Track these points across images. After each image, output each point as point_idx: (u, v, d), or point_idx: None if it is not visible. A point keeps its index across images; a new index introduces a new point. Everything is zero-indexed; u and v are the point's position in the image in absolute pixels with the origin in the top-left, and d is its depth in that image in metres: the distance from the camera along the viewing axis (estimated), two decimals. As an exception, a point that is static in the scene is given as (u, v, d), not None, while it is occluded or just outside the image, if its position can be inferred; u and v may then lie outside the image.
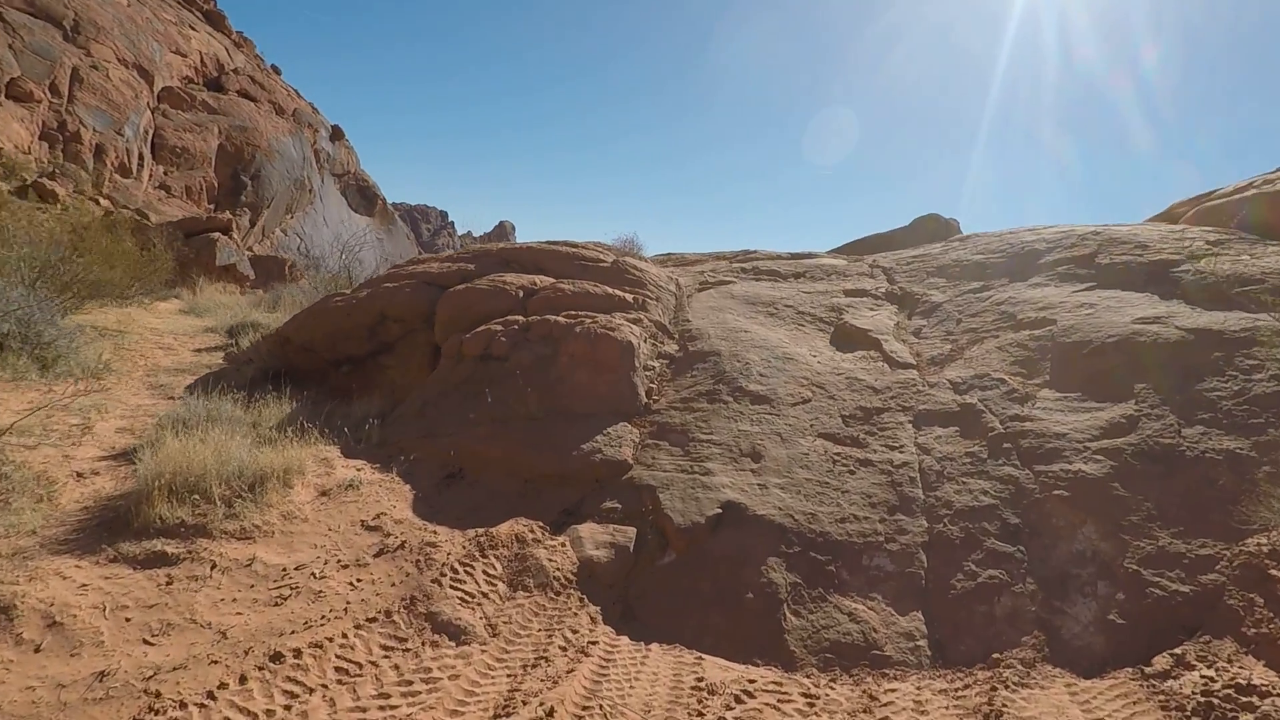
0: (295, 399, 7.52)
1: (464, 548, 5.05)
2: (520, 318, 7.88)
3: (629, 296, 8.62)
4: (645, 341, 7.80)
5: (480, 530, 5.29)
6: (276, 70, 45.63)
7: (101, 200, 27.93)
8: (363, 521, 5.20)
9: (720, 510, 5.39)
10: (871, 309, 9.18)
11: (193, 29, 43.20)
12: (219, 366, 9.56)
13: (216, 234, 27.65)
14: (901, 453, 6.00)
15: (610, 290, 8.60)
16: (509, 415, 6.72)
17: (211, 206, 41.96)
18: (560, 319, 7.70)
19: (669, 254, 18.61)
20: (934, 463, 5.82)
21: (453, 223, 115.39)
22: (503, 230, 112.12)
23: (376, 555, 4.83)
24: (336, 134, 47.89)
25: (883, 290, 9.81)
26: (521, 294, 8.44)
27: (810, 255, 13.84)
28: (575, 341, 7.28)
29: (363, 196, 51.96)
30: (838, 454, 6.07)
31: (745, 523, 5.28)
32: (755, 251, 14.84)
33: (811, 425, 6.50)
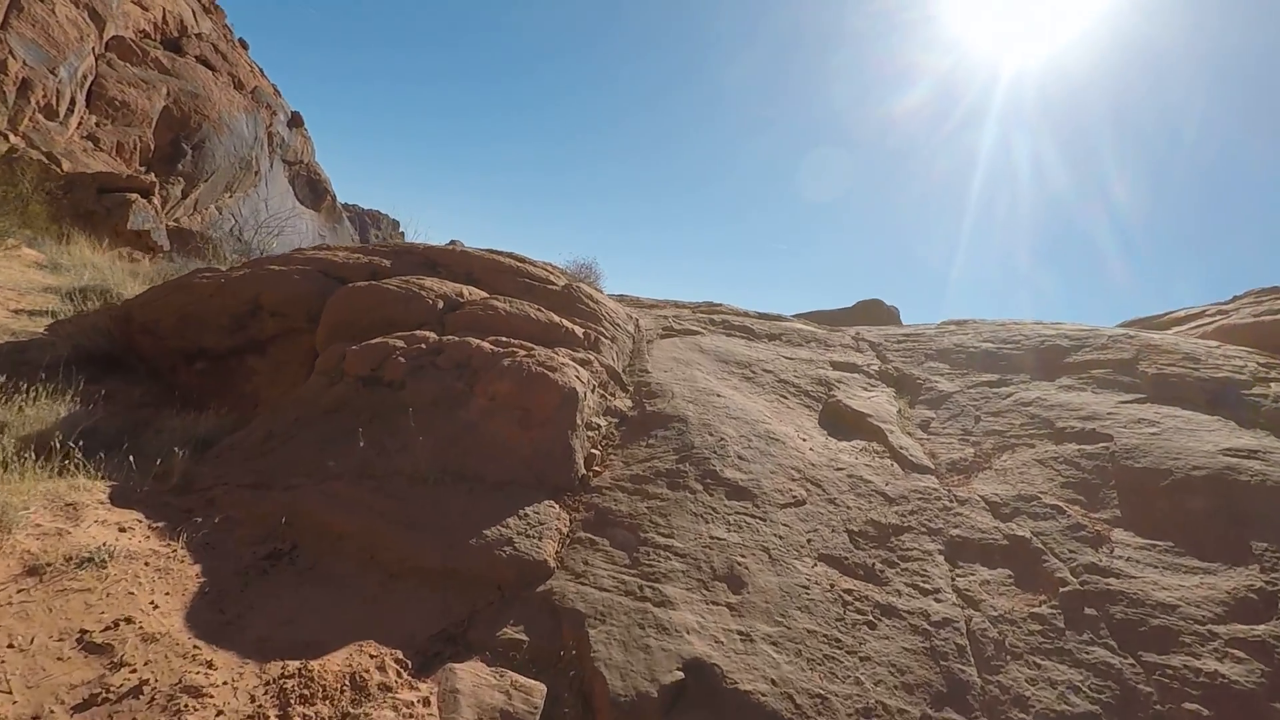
0: (90, 396, 5.20)
1: (252, 701, 2.89)
2: (432, 335, 5.77)
3: (579, 330, 6.62)
4: (593, 391, 5.79)
5: (296, 663, 3.14)
6: (244, 44, 42.64)
7: (12, 137, 24.63)
8: (83, 633, 2.97)
9: (682, 675, 3.36)
10: (865, 388, 7.41)
11: (157, -14, 40.10)
12: (30, 335, 7.09)
13: (134, 195, 24.54)
14: (938, 601, 4.09)
15: (556, 319, 6.59)
16: (387, 470, 4.57)
17: (143, 169, 38.39)
18: (486, 344, 5.63)
19: (624, 295, 16.76)
20: (987, 624, 3.93)
21: (403, 233, 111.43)
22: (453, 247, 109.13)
23: (78, 711, 2.63)
24: (295, 121, 44.94)
25: (875, 368, 8.09)
26: (441, 305, 6.34)
27: (780, 317, 12.18)
28: (500, 378, 5.22)
29: (312, 189, 48.78)
30: (849, 591, 4.13)
31: (721, 704, 3.26)
32: (720, 305, 13.10)
33: (809, 540, 4.56)
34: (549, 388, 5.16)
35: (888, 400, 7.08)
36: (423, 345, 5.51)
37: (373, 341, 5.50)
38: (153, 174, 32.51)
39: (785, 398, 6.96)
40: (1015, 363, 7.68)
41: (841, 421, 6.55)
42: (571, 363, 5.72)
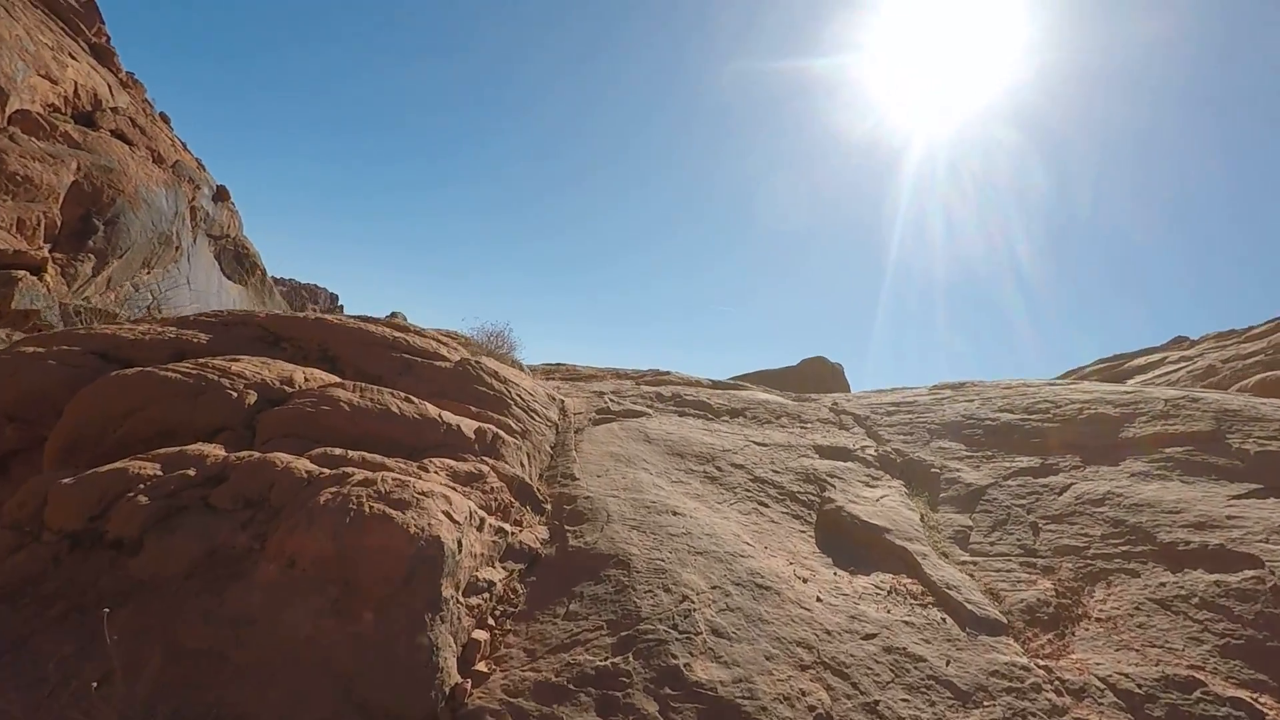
0: None
1: None
2: (219, 451, 3.53)
3: (469, 428, 4.45)
4: (482, 526, 3.60)
5: None
6: (165, 119, 40.16)
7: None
8: None
9: None
10: (868, 484, 5.39)
11: (73, 58, 37.57)
12: None
13: (22, 273, 21.61)
14: None
15: (433, 413, 4.41)
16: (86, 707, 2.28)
17: (48, 246, 35.18)
18: (303, 463, 3.42)
19: (557, 364, 14.57)
20: None
21: (342, 306, 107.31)
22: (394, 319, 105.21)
23: None
24: (221, 194, 42.32)
25: (872, 452, 6.10)
26: (254, 399, 4.11)
27: (739, 385, 10.21)
28: (308, 528, 3.00)
29: (239, 263, 45.86)
30: None
31: None
32: (668, 374, 11.08)
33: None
34: (391, 542, 2.97)
35: (902, 501, 5.06)
36: (190, 471, 3.26)
37: (102, 470, 3.24)
38: (53, 250, 29.49)
39: (765, 506, 4.88)
40: (1053, 439, 5.78)
41: (848, 539, 4.49)
42: (445, 486, 3.54)
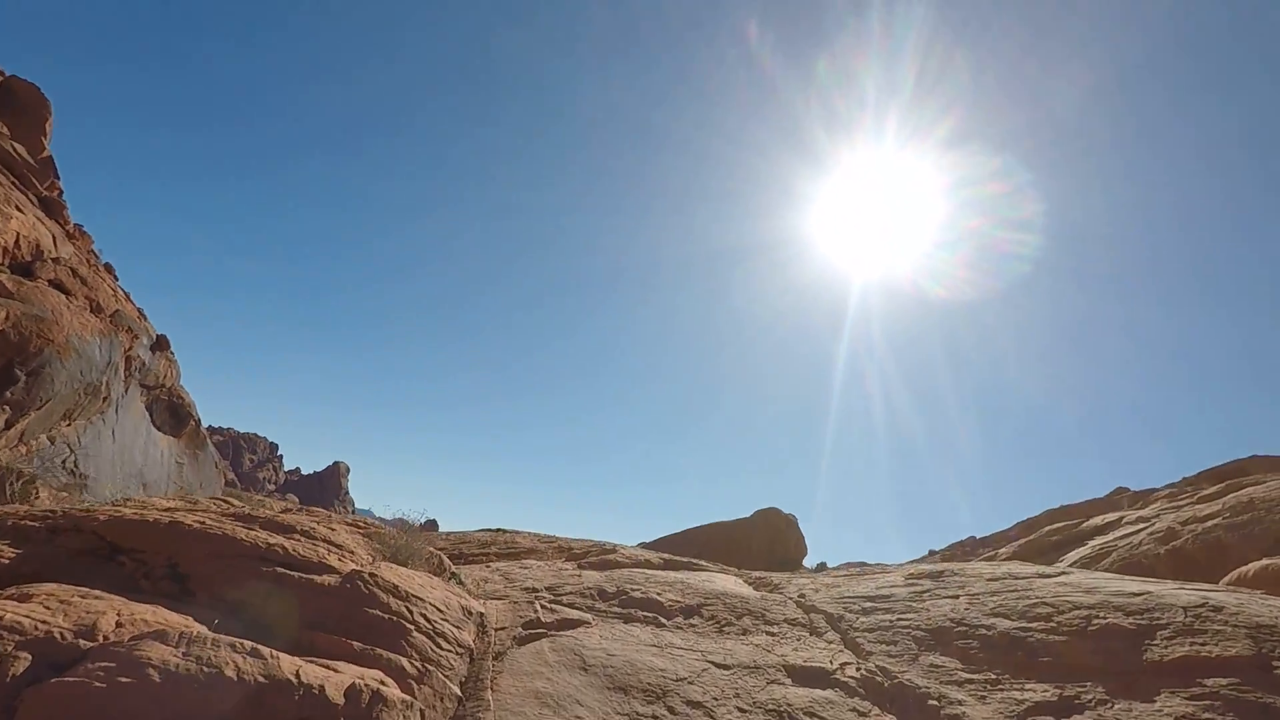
0: None
1: None
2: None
3: (340, 688, 3.28)
4: None
5: None
6: (110, 269, 39.31)
7: None
8: None
9: None
10: (856, 725, 4.28)
11: (19, 210, 36.95)
12: None
13: (-91, 430, 19.68)
14: None
15: (292, 673, 3.23)
16: None
17: (-41, 399, 32.73)
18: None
19: (498, 531, 13.22)
20: None
21: (281, 456, 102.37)
22: (335, 471, 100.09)
23: None
24: (161, 344, 40.81)
25: (852, 672, 5.01)
26: (24, 666, 2.89)
27: (694, 565, 9.08)
28: None
29: (173, 415, 43.41)
30: None
31: None
32: (615, 551, 9.88)
33: None
34: None
35: (903, 757, 3.95)
36: None
37: None
38: (-46, 403, 27.28)
39: (733, 772, 3.72)
40: (1063, 658, 4.81)
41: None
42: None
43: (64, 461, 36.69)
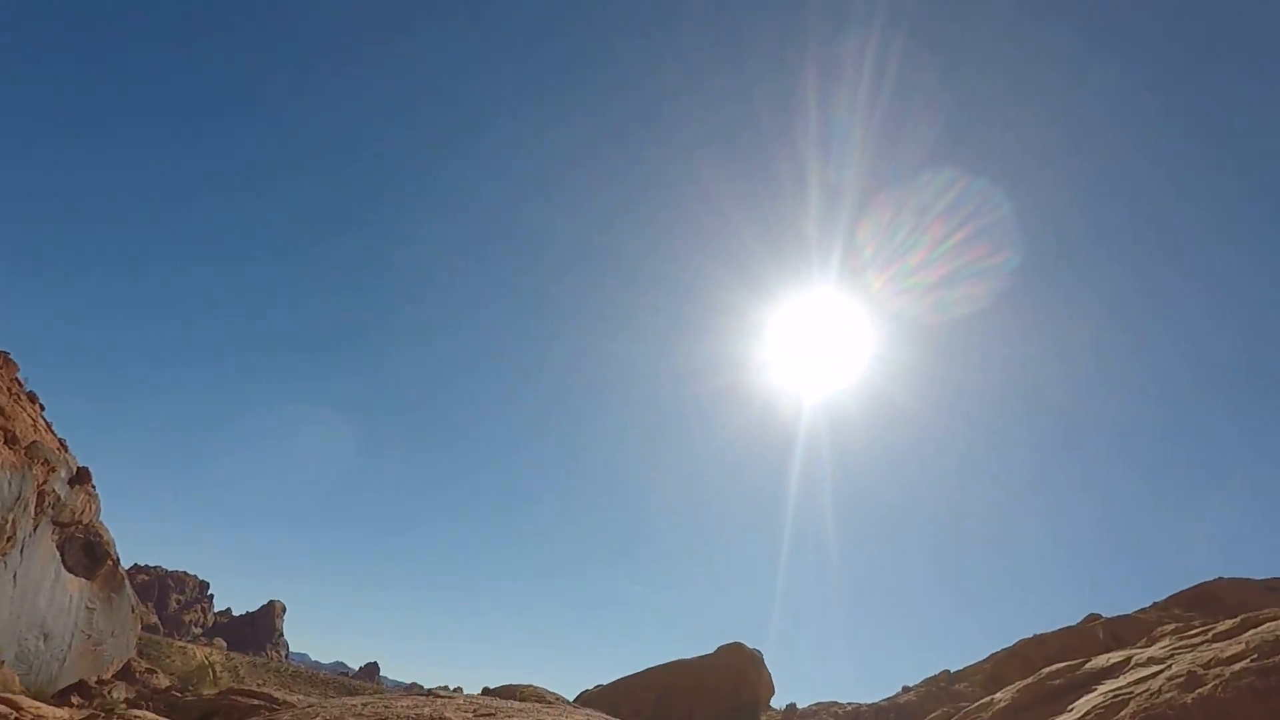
0: None
1: None
2: None
3: None
4: None
5: None
6: (33, 399, 36.65)
7: None
8: None
9: None
10: None
11: (-62, 340, 34.69)
12: None
13: None
14: None
15: None
16: None
17: None
18: None
19: (430, 693, 11.18)
20: None
21: (211, 595, 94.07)
22: (270, 612, 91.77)
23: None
24: (81, 476, 37.55)
25: None
26: None
27: None
28: None
29: (87, 554, 39.29)
30: None
31: None
32: None
33: None
34: None
35: None
36: None
37: None
38: None
39: None
40: None
41: None
42: None
43: (-49, 614, 32.35)
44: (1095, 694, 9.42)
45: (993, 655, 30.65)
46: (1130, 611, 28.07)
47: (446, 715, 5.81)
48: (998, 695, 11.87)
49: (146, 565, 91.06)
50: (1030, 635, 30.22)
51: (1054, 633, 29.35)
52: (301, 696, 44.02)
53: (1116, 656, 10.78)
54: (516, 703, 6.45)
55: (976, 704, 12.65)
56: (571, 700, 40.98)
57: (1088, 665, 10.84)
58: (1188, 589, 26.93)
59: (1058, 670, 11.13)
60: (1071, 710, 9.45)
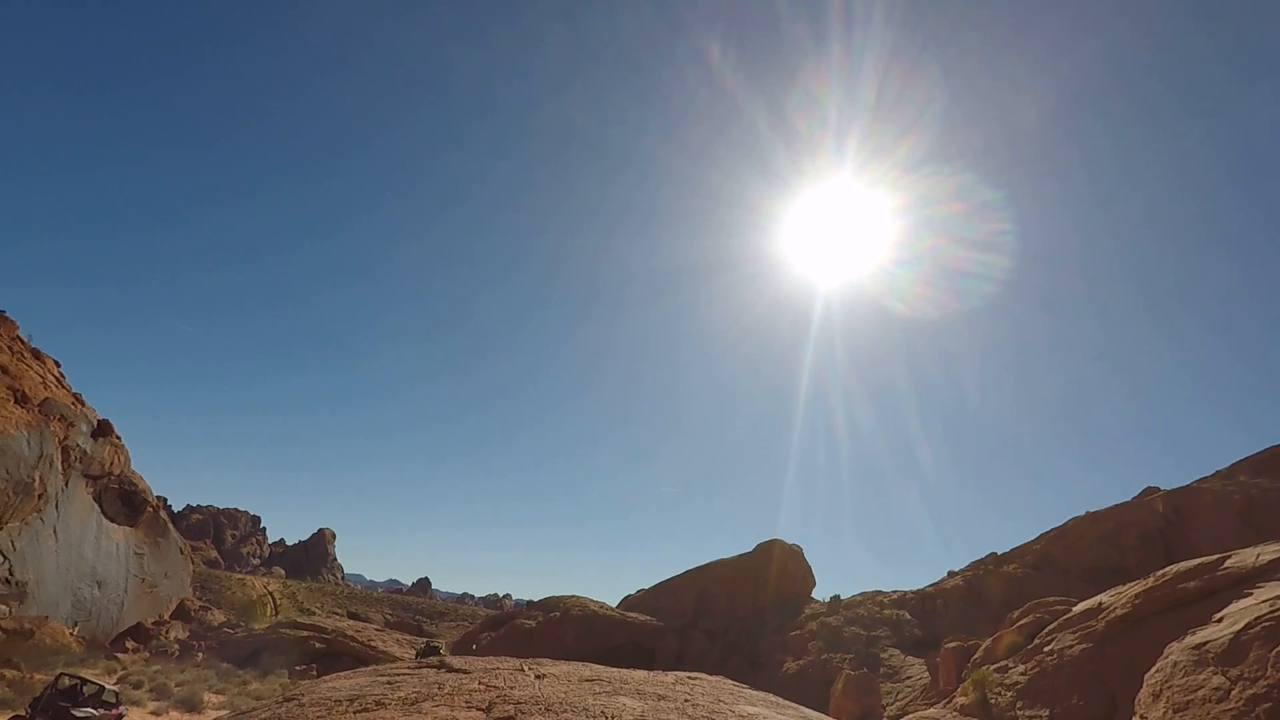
0: None
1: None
2: None
3: None
4: None
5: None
6: (39, 355, 35.11)
7: None
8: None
9: None
10: None
11: (-67, 302, 32.93)
12: None
13: None
14: None
15: None
16: None
17: None
18: None
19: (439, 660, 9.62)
20: None
21: (264, 529, 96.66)
22: (321, 539, 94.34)
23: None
24: (103, 429, 36.53)
25: None
26: None
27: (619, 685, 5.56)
28: None
29: (126, 503, 38.93)
30: None
31: None
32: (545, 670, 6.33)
33: None
34: None
35: None
36: None
37: None
38: None
39: None
40: None
41: None
42: None
43: (-3, 569, 32.12)
44: (1253, 601, 7.48)
45: (1042, 535, 29.12)
46: (1190, 482, 26.06)
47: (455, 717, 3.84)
48: (1105, 599, 10.04)
49: (199, 505, 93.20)
50: (1081, 513, 28.55)
51: (1107, 509, 27.62)
52: (349, 621, 44.68)
53: (1270, 552, 8.76)
54: (614, 676, 4.51)
55: (1079, 609, 10.84)
56: (615, 604, 40.99)
57: (1228, 564, 8.85)
58: (1256, 453, 24.82)
59: (1189, 570, 9.15)
60: (1221, 620, 7.50)
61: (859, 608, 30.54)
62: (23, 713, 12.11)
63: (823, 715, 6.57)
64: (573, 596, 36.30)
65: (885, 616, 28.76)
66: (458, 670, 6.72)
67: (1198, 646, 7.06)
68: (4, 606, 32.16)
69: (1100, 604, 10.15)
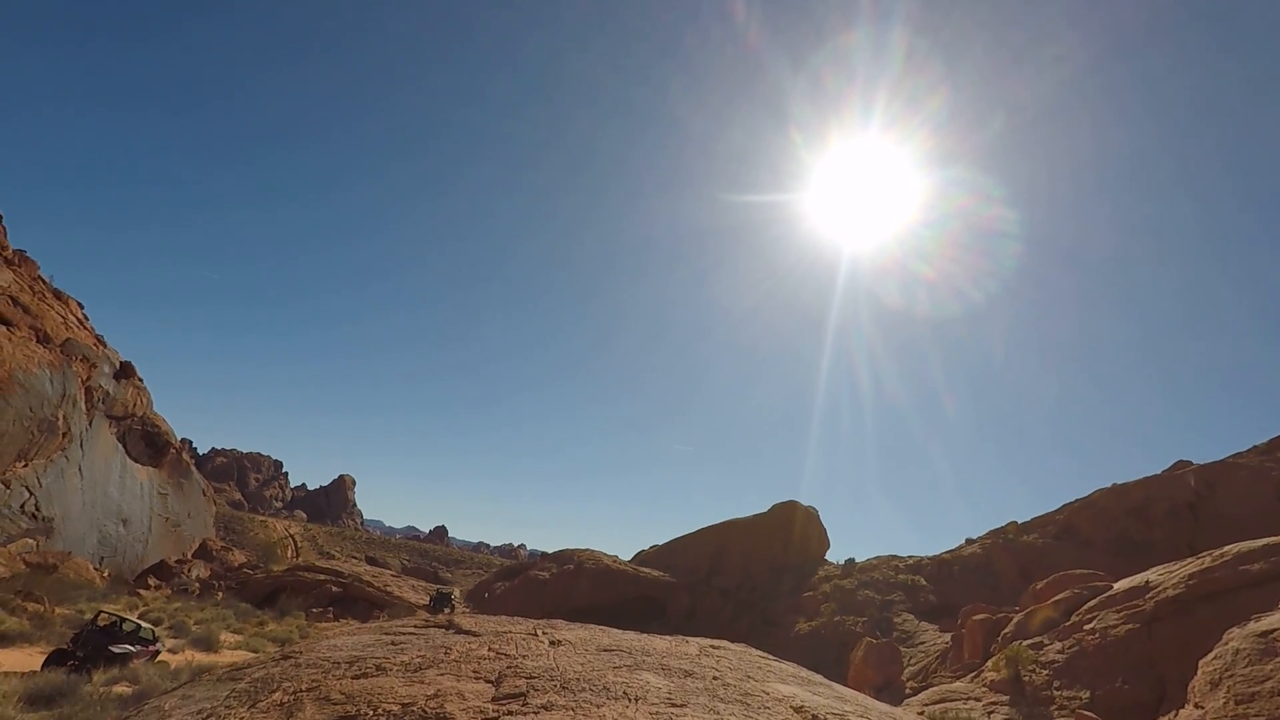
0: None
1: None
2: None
3: None
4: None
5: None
6: (60, 295, 35.05)
7: None
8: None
9: None
10: None
11: (-50, 238, 32.85)
12: None
13: None
14: None
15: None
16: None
17: (-110, 448, 28.74)
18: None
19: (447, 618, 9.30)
20: None
21: (286, 474, 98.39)
22: (341, 485, 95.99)
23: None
24: (125, 371, 36.67)
25: None
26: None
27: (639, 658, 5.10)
28: None
29: (149, 444, 39.35)
30: None
31: None
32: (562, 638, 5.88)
33: None
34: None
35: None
36: None
37: None
38: None
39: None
40: None
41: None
42: None
43: (23, 505, 32.63)
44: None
45: (1066, 506, 28.45)
46: (1224, 457, 25.15)
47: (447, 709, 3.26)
48: (1153, 577, 9.43)
49: (223, 449, 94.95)
50: (1108, 485, 27.78)
51: (1136, 481, 26.82)
52: (366, 566, 45.32)
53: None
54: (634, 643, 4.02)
55: (1123, 586, 10.24)
56: (628, 559, 41.16)
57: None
58: (1295, 431, 23.82)
59: (1253, 551, 8.47)
60: (1291, 607, 6.86)
61: (874, 571, 30.26)
62: (65, 646, 12.54)
63: (855, 692, 6.12)
64: (586, 550, 36.42)
65: (900, 581, 28.45)
66: (467, 632, 6.25)
67: (1265, 634, 6.48)
68: (30, 541, 32.79)
69: (1147, 582, 9.55)
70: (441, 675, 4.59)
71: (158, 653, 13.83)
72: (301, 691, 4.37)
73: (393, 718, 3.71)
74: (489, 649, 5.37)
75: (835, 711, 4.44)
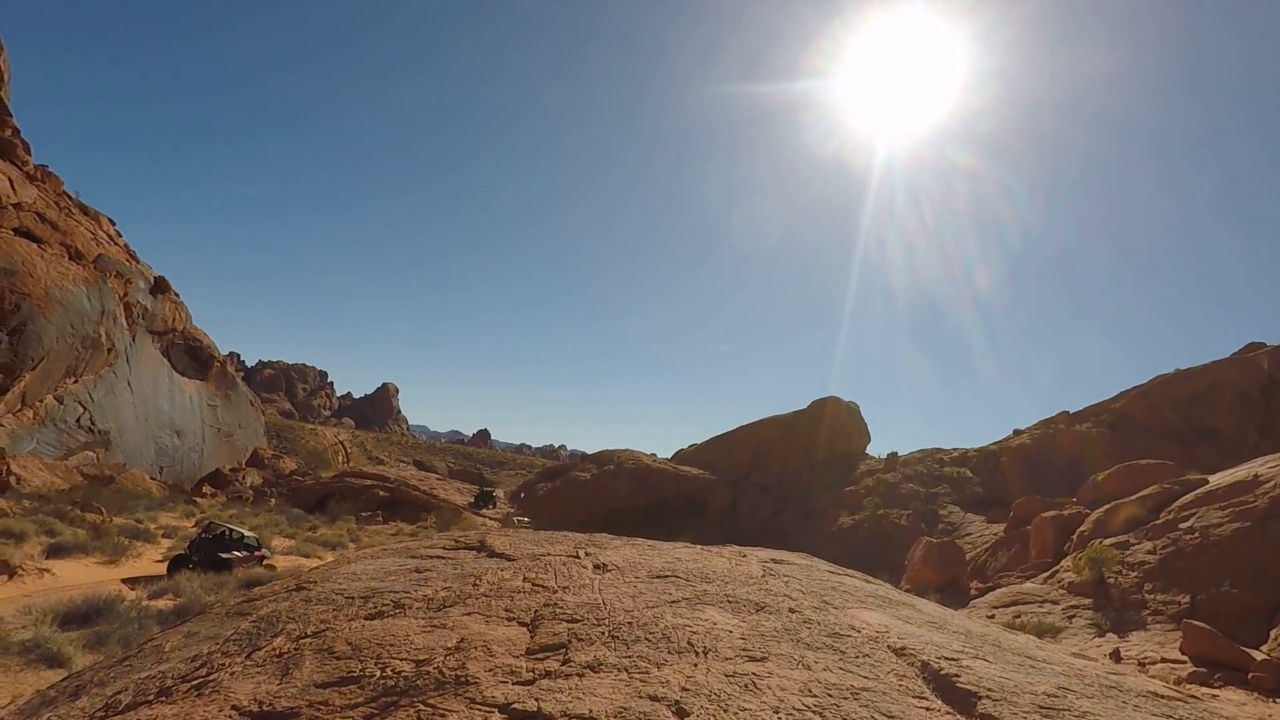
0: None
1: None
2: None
3: None
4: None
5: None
6: (85, 209, 34.52)
7: None
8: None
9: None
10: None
11: (-32, 156, 32.21)
12: None
13: None
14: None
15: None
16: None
17: (-60, 369, 29.36)
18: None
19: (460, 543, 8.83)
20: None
21: (332, 383, 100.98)
22: (385, 393, 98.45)
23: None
24: (160, 286, 36.63)
25: None
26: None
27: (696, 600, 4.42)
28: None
29: (193, 358, 39.92)
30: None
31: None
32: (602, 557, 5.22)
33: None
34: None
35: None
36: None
37: None
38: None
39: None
40: None
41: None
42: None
43: (79, 420, 33.53)
44: None
45: (1123, 393, 27.07)
46: (1306, 337, 23.28)
47: (469, 668, 2.29)
48: (1261, 470, 8.40)
49: (270, 360, 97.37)
50: (1172, 371, 26.23)
51: (1202, 366, 25.22)
52: (414, 470, 46.48)
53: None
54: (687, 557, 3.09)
55: (1223, 480, 9.18)
56: (669, 457, 41.39)
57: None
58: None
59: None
60: None
61: (917, 464, 29.71)
62: (183, 551, 14.05)
63: (941, 610, 5.40)
64: (626, 450, 36.50)
65: (945, 474, 27.87)
66: (500, 555, 5.53)
67: None
68: (90, 454, 33.93)
69: (1256, 475, 8.59)
70: (468, 615, 3.83)
71: (264, 557, 15.16)
72: (306, 637, 3.65)
73: (403, 680, 2.95)
74: (524, 578, 4.64)
75: (948, 655, 3.59)
